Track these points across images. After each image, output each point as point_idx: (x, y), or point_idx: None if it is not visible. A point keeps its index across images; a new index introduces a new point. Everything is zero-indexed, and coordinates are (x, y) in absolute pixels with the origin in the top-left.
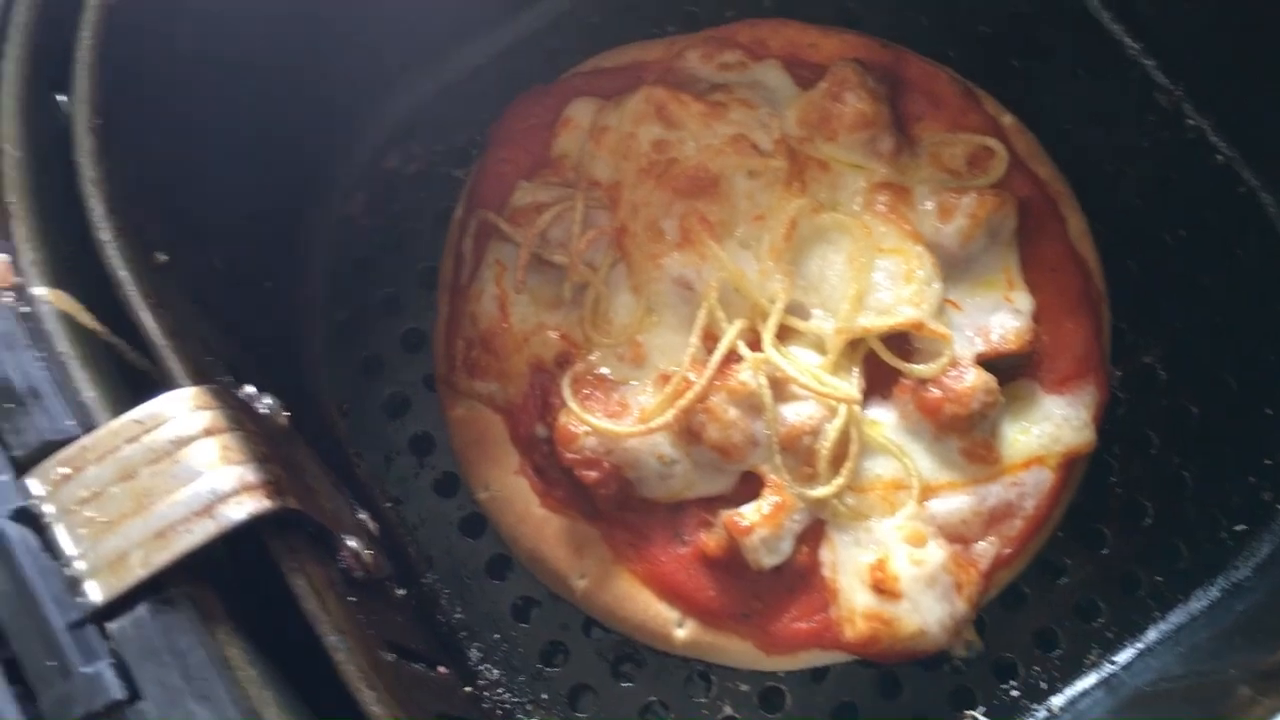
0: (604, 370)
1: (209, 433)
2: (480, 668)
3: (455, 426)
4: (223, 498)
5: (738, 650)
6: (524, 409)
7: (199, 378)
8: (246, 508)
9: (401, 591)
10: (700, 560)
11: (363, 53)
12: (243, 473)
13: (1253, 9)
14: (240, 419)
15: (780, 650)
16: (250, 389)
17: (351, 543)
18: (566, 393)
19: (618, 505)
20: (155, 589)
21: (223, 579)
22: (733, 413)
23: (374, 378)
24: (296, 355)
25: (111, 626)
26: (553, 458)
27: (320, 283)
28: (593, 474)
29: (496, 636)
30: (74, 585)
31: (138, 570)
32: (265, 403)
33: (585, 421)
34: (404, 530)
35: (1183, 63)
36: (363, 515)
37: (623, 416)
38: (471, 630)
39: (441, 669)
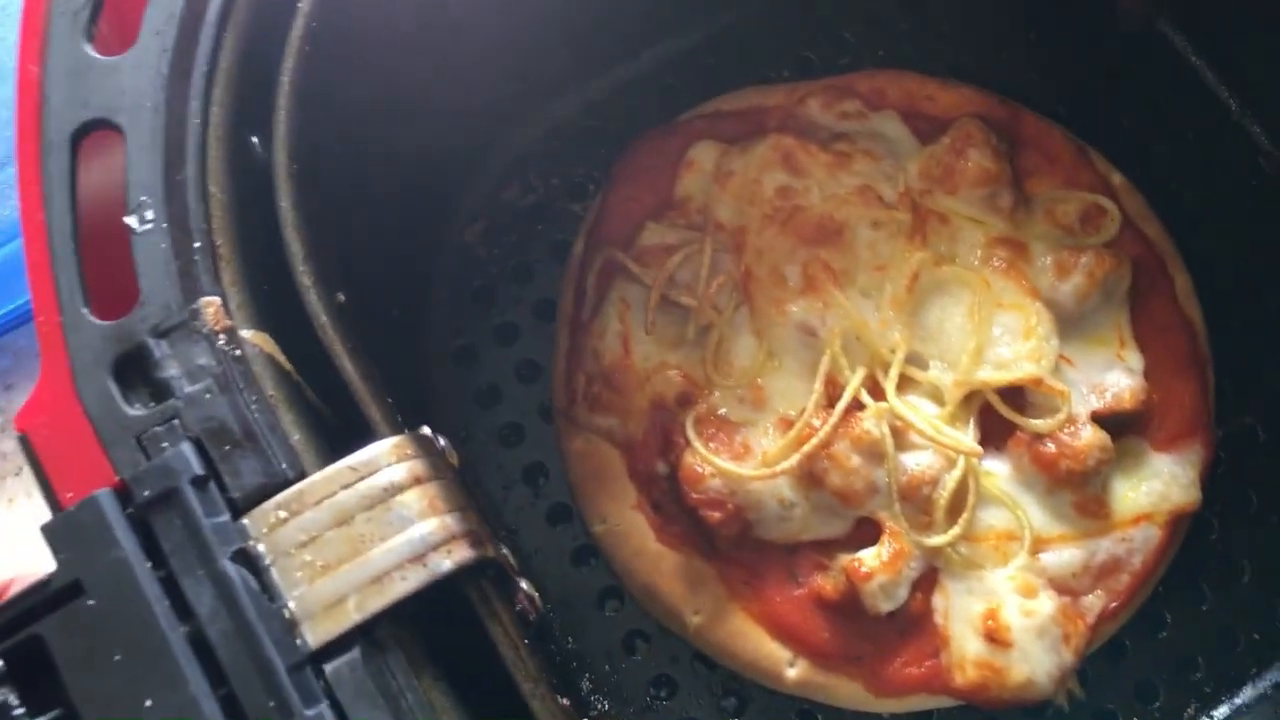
0: (724, 411)
1: (417, 481)
2: (591, 698)
3: (574, 459)
4: (434, 546)
5: (847, 692)
6: (644, 445)
7: (392, 423)
8: (455, 557)
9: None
10: (815, 602)
11: (487, 89)
12: (448, 521)
13: None
14: (440, 466)
15: (890, 693)
16: (426, 430)
17: (525, 585)
18: (691, 433)
19: (736, 545)
20: (367, 633)
21: (421, 624)
22: (855, 460)
23: (489, 407)
24: (418, 384)
25: (328, 668)
26: (671, 494)
27: (440, 311)
28: (716, 514)
29: (607, 667)
30: (292, 627)
31: (353, 615)
32: (442, 443)
33: (711, 463)
34: (520, 559)
35: None
36: (505, 550)
37: (745, 459)
38: (582, 660)
39: (564, 700)
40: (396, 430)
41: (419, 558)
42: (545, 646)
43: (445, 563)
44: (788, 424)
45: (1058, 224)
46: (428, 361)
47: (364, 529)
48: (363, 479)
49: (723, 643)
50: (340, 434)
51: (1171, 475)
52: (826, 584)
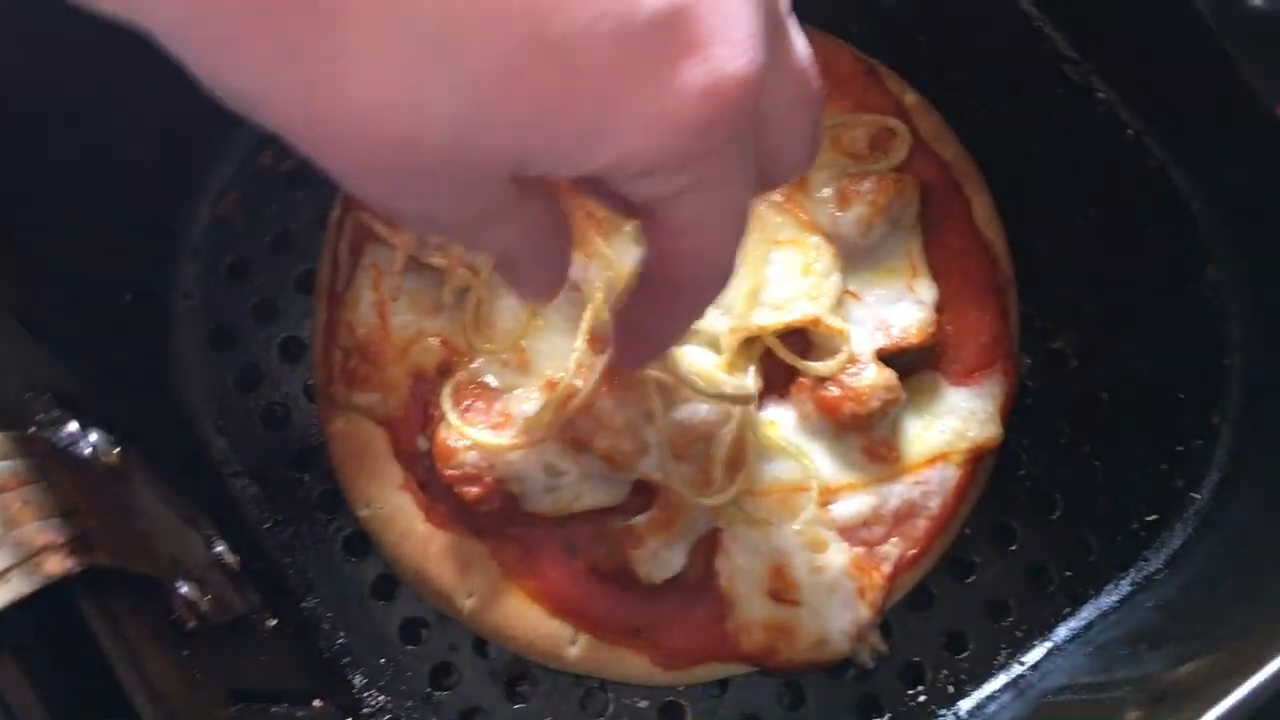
0: (488, 378)
1: (2, 488)
2: (364, 695)
3: (335, 441)
4: (20, 560)
5: (633, 666)
6: (405, 421)
7: (3, 421)
8: (46, 569)
9: (273, 622)
10: (592, 574)
11: None
12: (43, 529)
13: None
14: (47, 468)
15: (677, 665)
16: (72, 427)
17: (185, 590)
18: (446, 404)
19: (503, 521)
20: None
21: (28, 649)
22: (619, 419)
23: (250, 390)
24: (163, 371)
25: None
26: (435, 471)
27: (192, 290)
28: (474, 490)
29: (383, 661)
30: None
31: None
32: (90, 440)
33: (464, 435)
34: (283, 552)
35: (1091, 33)
36: (220, 548)
37: (505, 427)
38: (355, 656)
39: (317, 702)
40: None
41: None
42: (310, 644)
43: (33, 576)
44: (554, 386)
45: (845, 151)
46: (184, 345)
47: None
48: None
49: (499, 625)
50: None
51: (969, 411)
52: (600, 554)
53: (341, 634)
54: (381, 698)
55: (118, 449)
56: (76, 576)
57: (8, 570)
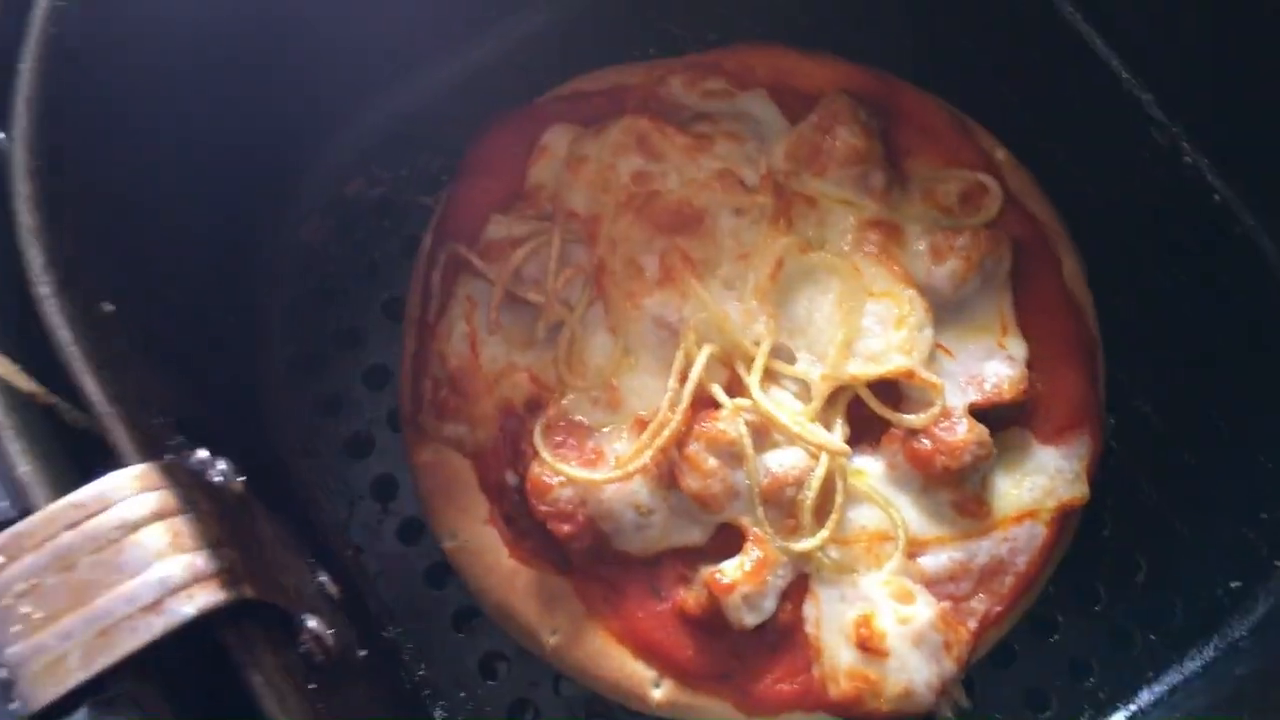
0: (578, 416)
1: (158, 516)
2: None
3: (422, 471)
4: (173, 590)
5: (717, 711)
6: (494, 455)
7: (147, 448)
8: (198, 601)
9: (363, 652)
10: (678, 617)
11: (324, 70)
12: (194, 561)
13: (1251, 44)
14: (193, 498)
15: (762, 711)
16: (203, 454)
17: (312, 624)
18: (539, 440)
19: (592, 559)
20: (97, 689)
21: (170, 673)
22: (712, 461)
23: (334, 417)
24: (252, 395)
25: None
26: (523, 506)
27: (277, 316)
28: (567, 527)
29: (462, 694)
30: (7, 688)
31: (77, 673)
32: (219, 468)
33: (559, 471)
34: (365, 581)
35: (1181, 98)
36: (324, 578)
37: (598, 465)
38: (435, 688)
39: None
40: (147, 456)
41: (155, 605)
42: (392, 674)
43: (186, 608)
44: (644, 426)
45: (937, 205)
46: (270, 370)
47: (90, 574)
48: (91, 516)
49: (583, 663)
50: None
51: (1057, 469)
52: (689, 598)
53: (422, 666)
54: None
55: (242, 478)
56: (221, 609)
57: (159, 601)
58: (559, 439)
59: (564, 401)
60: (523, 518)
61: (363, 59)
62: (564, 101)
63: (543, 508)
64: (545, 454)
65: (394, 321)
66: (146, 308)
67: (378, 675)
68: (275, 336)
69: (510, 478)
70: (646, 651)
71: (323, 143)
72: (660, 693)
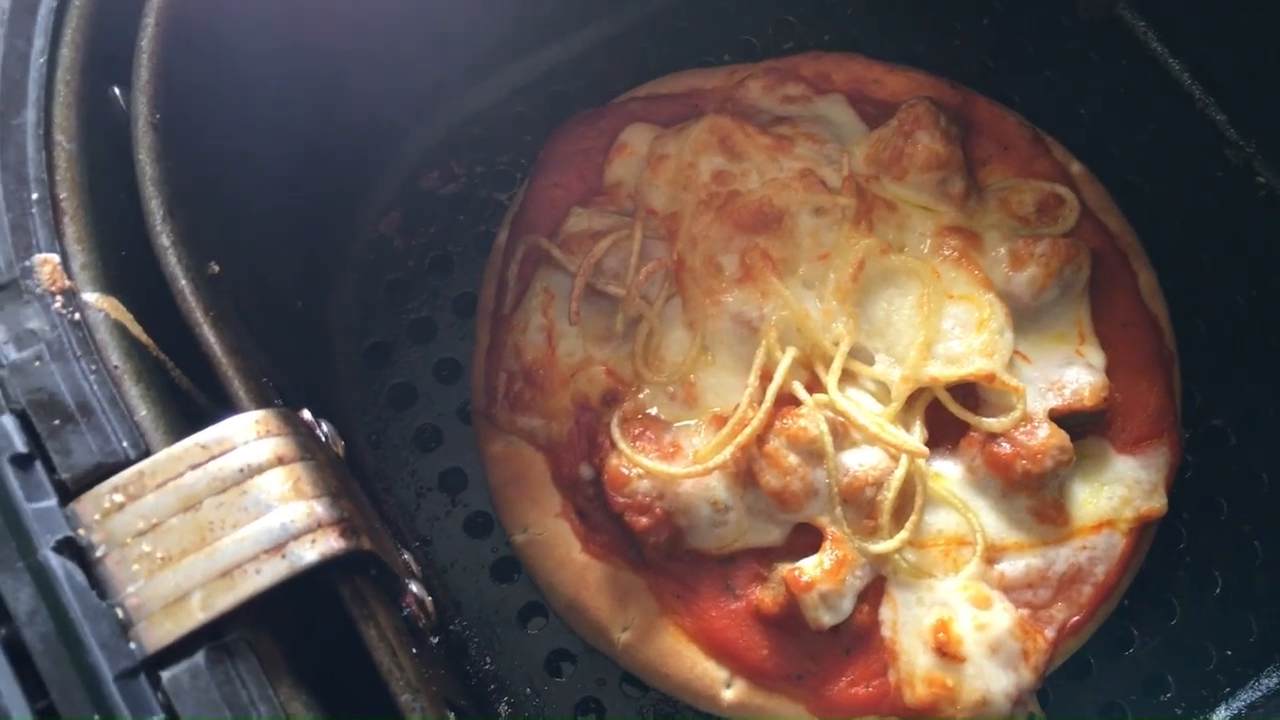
0: (653, 410)
1: (280, 461)
2: None
3: (493, 463)
4: (295, 535)
5: (789, 714)
6: (568, 448)
7: (261, 400)
8: (320, 548)
9: (436, 639)
10: (753, 616)
11: (406, 65)
12: (315, 508)
13: None
14: (310, 447)
15: (835, 714)
16: (308, 414)
17: (414, 588)
18: (616, 433)
19: (666, 555)
20: (214, 634)
21: (282, 622)
22: (792, 459)
23: (405, 408)
24: (324, 381)
25: (165, 675)
26: (597, 501)
27: (351, 305)
28: (644, 520)
29: (528, 690)
30: (125, 628)
31: (198, 614)
32: (324, 429)
33: (638, 463)
34: (433, 573)
35: (1255, 118)
36: (406, 555)
37: (675, 459)
38: (502, 683)
39: None
40: (262, 405)
41: (277, 548)
42: (459, 667)
43: (308, 554)
44: (721, 422)
45: (1013, 214)
46: (342, 358)
47: (213, 515)
48: (214, 458)
49: (653, 662)
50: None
51: (1135, 480)
52: (765, 596)
53: (488, 659)
54: None
55: (343, 442)
56: (339, 559)
57: (282, 545)
58: (636, 432)
59: (640, 396)
60: (596, 512)
61: (441, 59)
62: (641, 103)
63: (620, 499)
64: (624, 446)
65: (465, 317)
66: (242, 279)
67: (432, 656)
68: (349, 326)
69: (585, 471)
70: (719, 650)
71: (401, 139)
72: (731, 693)
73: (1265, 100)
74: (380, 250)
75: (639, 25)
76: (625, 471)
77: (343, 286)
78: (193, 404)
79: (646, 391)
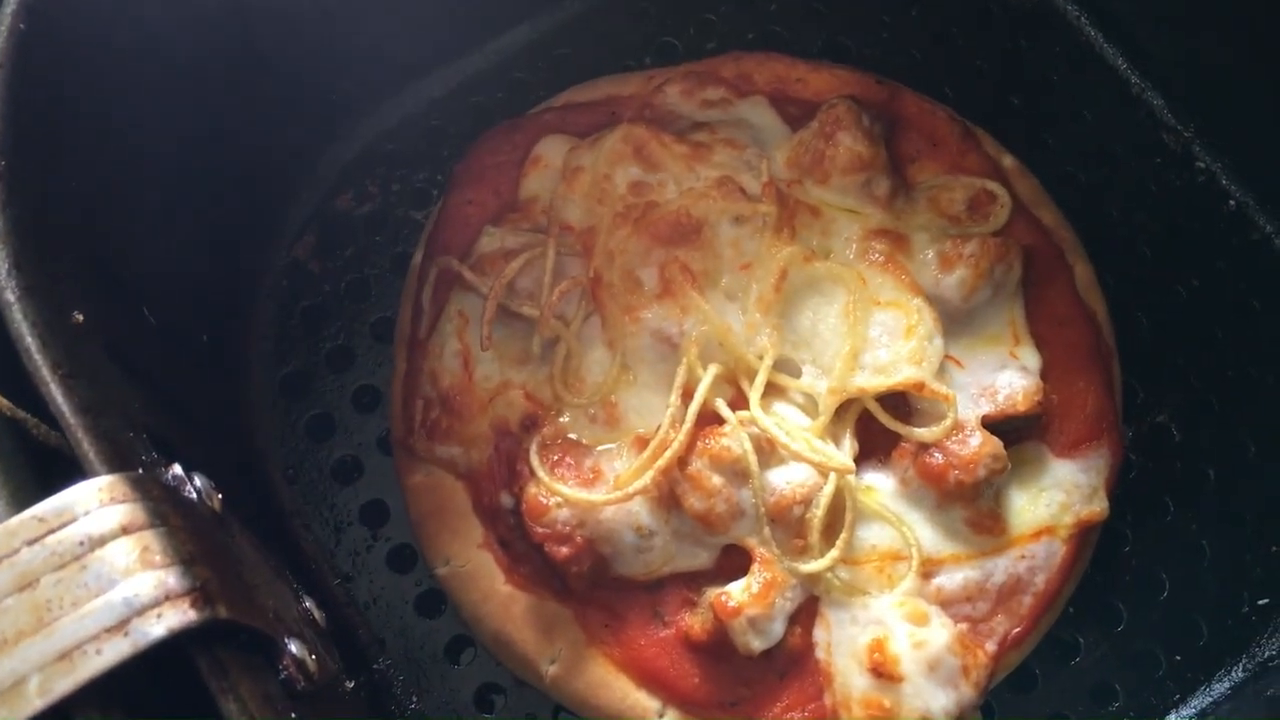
0: (574, 434)
1: (125, 531)
2: None
3: (413, 494)
4: (140, 610)
5: None
6: (489, 476)
7: (116, 461)
8: (167, 622)
9: (350, 683)
10: (683, 644)
11: (312, 82)
12: (165, 578)
13: (1264, 49)
14: (164, 512)
15: None
16: (178, 470)
17: (294, 648)
18: (534, 460)
19: (591, 584)
20: (60, 717)
21: (140, 698)
22: (716, 480)
23: (323, 439)
24: (236, 416)
25: None
26: (520, 529)
27: (266, 334)
28: (564, 549)
29: None
30: None
31: (35, 700)
32: (195, 485)
33: (556, 491)
34: (354, 610)
35: (1192, 101)
36: (308, 603)
37: (595, 485)
38: None
39: None
40: (115, 469)
41: (119, 625)
42: (383, 708)
43: (154, 629)
44: (644, 444)
45: (943, 213)
46: (256, 390)
47: (51, 593)
48: (53, 531)
49: (583, 694)
50: None
51: (1075, 484)
52: (694, 623)
53: (414, 699)
54: None
55: (220, 495)
56: (193, 631)
57: (125, 622)
58: (555, 458)
59: (560, 420)
60: (519, 541)
61: (352, 74)
62: (556, 112)
63: (539, 529)
64: (541, 473)
65: (384, 343)
66: (126, 321)
67: (367, 708)
68: (263, 356)
69: (506, 500)
70: (650, 680)
71: (312, 159)
72: None
73: (1204, 83)
74: (295, 276)
75: (558, 31)
76: (544, 500)
77: (258, 316)
78: (65, 461)
79: (567, 415)
